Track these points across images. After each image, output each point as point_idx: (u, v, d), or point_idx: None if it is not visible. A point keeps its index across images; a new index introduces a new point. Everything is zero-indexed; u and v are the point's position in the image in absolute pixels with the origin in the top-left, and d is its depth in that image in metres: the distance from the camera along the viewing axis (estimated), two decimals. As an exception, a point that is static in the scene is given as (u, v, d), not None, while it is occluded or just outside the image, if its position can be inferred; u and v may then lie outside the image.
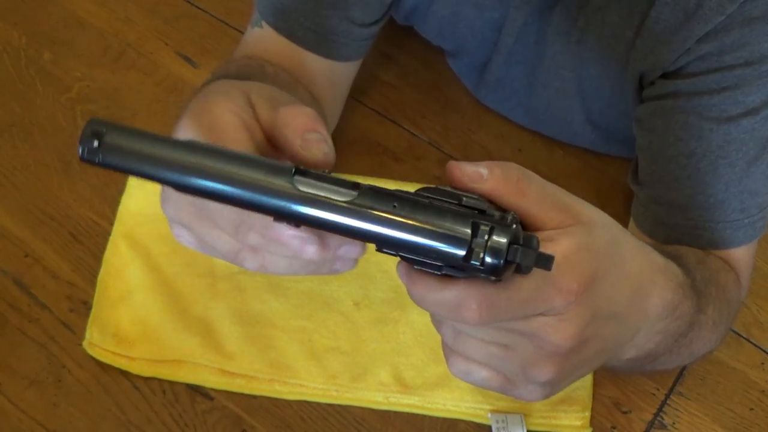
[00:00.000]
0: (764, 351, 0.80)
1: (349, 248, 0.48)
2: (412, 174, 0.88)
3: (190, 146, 0.44)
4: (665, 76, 0.71)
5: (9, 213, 0.83)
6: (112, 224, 0.81)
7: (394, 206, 0.42)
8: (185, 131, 0.50)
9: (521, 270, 0.43)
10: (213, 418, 0.73)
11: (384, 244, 0.43)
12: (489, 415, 0.73)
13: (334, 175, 0.44)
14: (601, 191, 0.88)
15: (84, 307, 0.77)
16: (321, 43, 0.77)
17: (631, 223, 0.77)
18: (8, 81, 0.92)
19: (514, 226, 0.42)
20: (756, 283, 0.80)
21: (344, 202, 0.42)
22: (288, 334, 0.76)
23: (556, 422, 0.73)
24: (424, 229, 0.42)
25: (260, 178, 0.43)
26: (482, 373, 0.50)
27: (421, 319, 0.77)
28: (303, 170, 0.43)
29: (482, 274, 0.42)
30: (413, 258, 0.43)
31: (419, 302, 0.46)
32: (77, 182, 0.85)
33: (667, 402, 0.76)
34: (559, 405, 0.73)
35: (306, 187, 0.42)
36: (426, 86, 0.96)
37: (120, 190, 0.82)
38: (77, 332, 0.76)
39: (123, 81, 0.93)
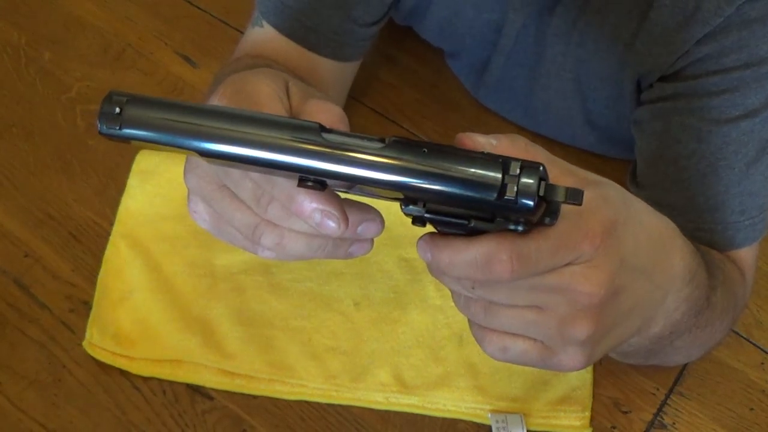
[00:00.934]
0: (764, 351, 0.80)
1: (368, 225, 0.48)
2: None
3: (215, 109, 0.44)
4: (664, 79, 0.71)
5: (9, 213, 0.83)
6: (112, 224, 0.81)
7: (424, 151, 0.42)
8: (221, 99, 0.50)
9: (549, 217, 0.43)
10: (213, 418, 0.73)
11: (415, 191, 0.42)
12: (489, 415, 0.73)
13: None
14: (601, 191, 0.88)
15: (84, 307, 0.77)
16: (322, 42, 0.77)
17: None
18: (8, 81, 0.92)
19: (541, 168, 0.42)
20: (756, 283, 0.80)
21: (374, 150, 0.42)
22: (288, 334, 0.76)
23: (556, 422, 0.73)
24: (456, 170, 0.42)
25: (288, 133, 0.43)
26: (520, 345, 0.49)
27: (421, 319, 0.77)
28: (328, 129, 0.43)
29: (512, 219, 0.42)
30: (440, 215, 0.43)
31: (447, 269, 0.46)
32: (77, 182, 0.85)
33: (667, 402, 0.76)
34: (559, 405, 0.73)
35: (334, 138, 0.43)
36: (426, 86, 0.96)
37: (120, 190, 0.82)
38: (77, 332, 0.76)
39: (123, 81, 0.93)
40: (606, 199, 0.47)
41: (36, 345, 0.75)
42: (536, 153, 0.47)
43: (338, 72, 0.81)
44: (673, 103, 0.70)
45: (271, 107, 0.48)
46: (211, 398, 0.74)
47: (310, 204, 0.46)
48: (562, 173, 0.47)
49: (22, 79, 0.93)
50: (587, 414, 0.73)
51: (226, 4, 1.01)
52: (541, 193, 0.41)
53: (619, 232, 0.47)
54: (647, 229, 0.52)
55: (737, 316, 0.73)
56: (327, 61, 0.78)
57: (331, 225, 0.46)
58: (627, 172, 0.78)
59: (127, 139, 0.44)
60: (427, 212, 0.44)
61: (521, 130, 0.91)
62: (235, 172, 0.48)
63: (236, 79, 0.52)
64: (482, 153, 0.43)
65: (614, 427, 0.74)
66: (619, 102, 0.77)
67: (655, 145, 0.73)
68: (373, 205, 0.49)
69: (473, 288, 0.47)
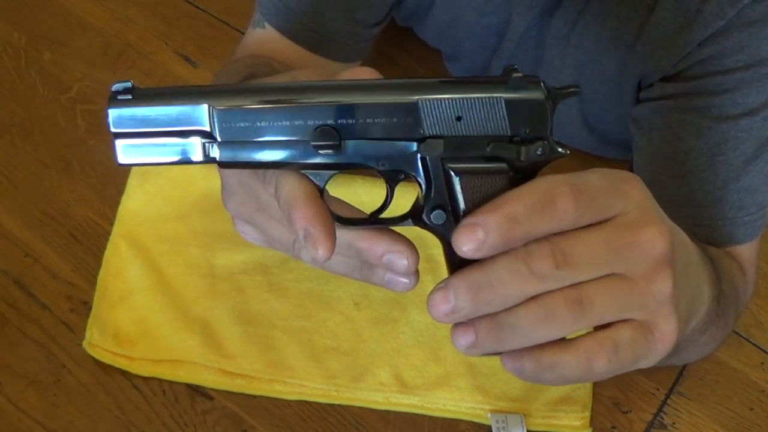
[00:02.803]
0: (764, 351, 0.80)
1: (394, 257, 0.47)
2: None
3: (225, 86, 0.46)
4: (665, 79, 0.71)
5: (9, 213, 0.83)
6: (112, 224, 0.81)
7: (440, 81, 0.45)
8: None
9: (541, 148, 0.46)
10: (213, 418, 0.73)
11: (433, 102, 0.44)
12: (489, 415, 0.73)
13: None
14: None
15: (84, 307, 0.77)
16: (323, 44, 0.77)
17: None
18: (8, 81, 0.93)
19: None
20: (756, 283, 0.80)
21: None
22: (288, 334, 0.76)
23: (556, 422, 0.73)
24: (470, 82, 0.45)
25: (300, 83, 0.46)
26: (625, 333, 0.45)
27: (421, 319, 0.77)
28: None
29: (527, 131, 0.45)
30: (455, 149, 0.45)
31: (510, 229, 0.42)
32: (77, 182, 0.85)
33: (667, 402, 0.76)
34: (559, 405, 0.73)
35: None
36: (426, 86, 0.95)
37: (120, 190, 0.82)
38: (77, 332, 0.76)
39: (123, 81, 0.93)
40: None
41: (36, 345, 0.75)
42: None
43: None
44: (674, 101, 0.71)
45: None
46: (211, 398, 0.74)
47: (299, 223, 0.45)
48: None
49: (22, 79, 0.93)
50: (587, 414, 0.73)
51: (226, 4, 1.01)
52: (545, 86, 0.45)
53: (649, 193, 0.47)
54: (664, 216, 0.51)
55: (739, 312, 0.73)
56: (328, 62, 0.78)
57: (310, 248, 0.45)
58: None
59: (133, 117, 0.45)
60: (444, 147, 0.45)
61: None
62: (264, 196, 0.48)
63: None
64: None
65: (614, 427, 0.74)
66: (617, 104, 0.78)
67: (654, 141, 0.73)
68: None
69: (557, 268, 0.42)
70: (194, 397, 0.73)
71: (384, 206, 0.48)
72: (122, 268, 0.78)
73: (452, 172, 0.45)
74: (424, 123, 0.44)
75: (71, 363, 0.74)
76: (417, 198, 0.48)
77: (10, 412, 0.72)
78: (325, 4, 0.75)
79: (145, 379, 0.74)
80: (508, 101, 0.45)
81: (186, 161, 0.46)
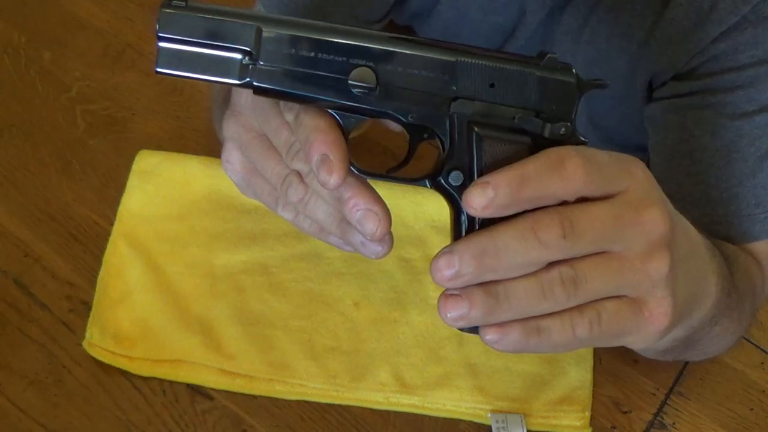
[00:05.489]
0: (764, 351, 0.80)
1: (367, 215, 0.49)
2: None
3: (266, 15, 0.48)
4: (678, 77, 0.71)
5: (9, 213, 0.83)
6: (112, 224, 0.81)
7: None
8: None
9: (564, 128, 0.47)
10: (213, 418, 0.73)
11: (470, 65, 0.46)
12: (489, 415, 0.73)
13: None
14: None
15: (84, 307, 0.77)
16: None
17: None
18: (8, 81, 0.92)
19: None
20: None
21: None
22: (288, 334, 0.76)
23: (556, 422, 0.73)
24: (507, 56, 0.48)
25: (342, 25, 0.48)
26: (611, 305, 0.46)
27: (421, 319, 0.77)
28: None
29: (560, 100, 0.47)
30: (484, 116, 0.46)
31: (519, 188, 0.43)
32: (77, 182, 0.85)
33: (667, 402, 0.76)
34: (559, 405, 0.73)
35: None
36: (426, 86, 0.95)
37: (120, 190, 0.82)
38: (77, 332, 0.75)
39: (123, 81, 0.93)
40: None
41: (36, 345, 0.75)
42: None
43: None
44: (688, 99, 0.71)
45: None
46: (211, 398, 0.74)
47: (318, 146, 0.47)
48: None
49: (22, 79, 0.93)
50: (587, 414, 0.73)
51: (226, 4, 1.00)
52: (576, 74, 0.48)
53: (655, 181, 0.48)
54: (672, 210, 0.52)
55: (756, 307, 0.73)
56: None
57: (323, 172, 0.46)
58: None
59: (183, 23, 0.46)
60: (473, 112, 0.47)
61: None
62: (274, 121, 0.49)
63: None
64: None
65: (614, 427, 0.74)
66: (625, 102, 0.77)
67: (669, 139, 0.73)
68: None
69: (564, 237, 0.43)
70: (194, 397, 0.73)
71: (403, 163, 0.50)
72: (122, 268, 0.78)
73: (477, 135, 0.46)
74: (460, 83, 0.46)
75: (71, 363, 0.74)
76: (437, 158, 0.49)
77: (10, 412, 0.72)
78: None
79: (145, 379, 0.74)
80: (540, 78, 0.47)
81: (222, 80, 0.47)
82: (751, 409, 0.76)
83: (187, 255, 0.79)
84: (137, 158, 0.84)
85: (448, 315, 0.45)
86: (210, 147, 0.84)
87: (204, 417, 0.73)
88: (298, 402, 0.74)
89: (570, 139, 0.47)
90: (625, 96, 0.77)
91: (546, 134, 0.47)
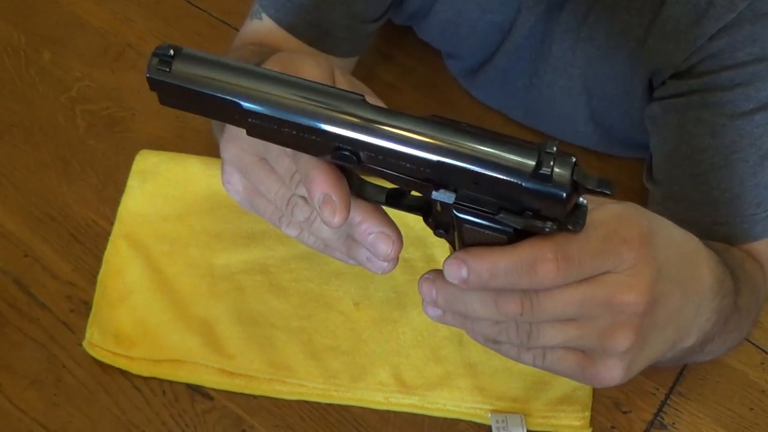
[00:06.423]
0: (764, 351, 0.79)
1: (379, 238, 0.50)
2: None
3: (265, 72, 0.46)
4: (677, 76, 0.71)
5: (9, 213, 0.83)
6: (112, 224, 0.81)
7: (463, 127, 0.44)
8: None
9: (573, 225, 0.44)
10: (213, 418, 0.73)
11: (451, 166, 0.43)
12: (489, 415, 0.73)
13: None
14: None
15: (84, 307, 0.77)
16: (321, 38, 0.77)
17: None
18: (8, 81, 0.93)
19: (573, 158, 0.42)
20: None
21: (414, 123, 0.44)
22: (288, 334, 0.76)
23: (556, 422, 0.73)
24: (494, 144, 0.43)
25: (332, 100, 0.45)
26: (558, 353, 0.50)
27: (421, 319, 0.77)
28: (372, 104, 0.45)
29: (542, 211, 0.43)
30: (468, 204, 0.44)
31: (488, 280, 0.46)
32: (77, 182, 0.85)
33: (667, 402, 0.76)
34: (559, 405, 0.73)
35: (377, 112, 0.44)
36: (426, 86, 0.96)
37: (120, 190, 0.82)
38: (77, 332, 0.76)
39: (123, 81, 0.93)
40: (636, 209, 0.48)
41: (36, 345, 0.75)
42: None
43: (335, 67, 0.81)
44: (688, 98, 0.71)
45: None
46: (211, 398, 0.74)
47: (319, 185, 0.47)
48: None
49: (22, 79, 0.93)
50: (587, 414, 0.73)
51: (226, 4, 1.01)
52: (575, 177, 0.42)
53: (654, 240, 0.48)
54: (677, 241, 0.53)
55: (759, 312, 0.73)
56: (324, 56, 0.78)
57: (326, 213, 0.47)
58: (627, 170, 0.78)
59: (171, 86, 0.45)
60: (456, 199, 0.45)
61: (522, 128, 0.91)
62: (275, 148, 0.49)
63: (283, 57, 0.52)
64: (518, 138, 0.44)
65: (614, 427, 0.74)
66: (625, 100, 0.78)
67: (669, 140, 0.73)
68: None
69: (521, 315, 0.47)
70: (194, 397, 0.73)
71: (402, 192, 0.50)
72: (122, 268, 0.78)
73: (458, 219, 0.46)
74: (441, 178, 0.45)
75: (71, 363, 0.74)
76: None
77: (10, 412, 0.72)
78: None
79: (145, 379, 0.74)
80: (526, 189, 0.43)
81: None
82: (751, 409, 0.76)
83: (187, 255, 0.79)
84: (137, 158, 0.84)
85: (429, 313, 0.51)
86: (210, 147, 0.84)
87: (204, 417, 0.73)
88: (298, 402, 0.74)
89: (561, 226, 0.45)
90: (625, 94, 0.77)
91: (529, 229, 0.45)
